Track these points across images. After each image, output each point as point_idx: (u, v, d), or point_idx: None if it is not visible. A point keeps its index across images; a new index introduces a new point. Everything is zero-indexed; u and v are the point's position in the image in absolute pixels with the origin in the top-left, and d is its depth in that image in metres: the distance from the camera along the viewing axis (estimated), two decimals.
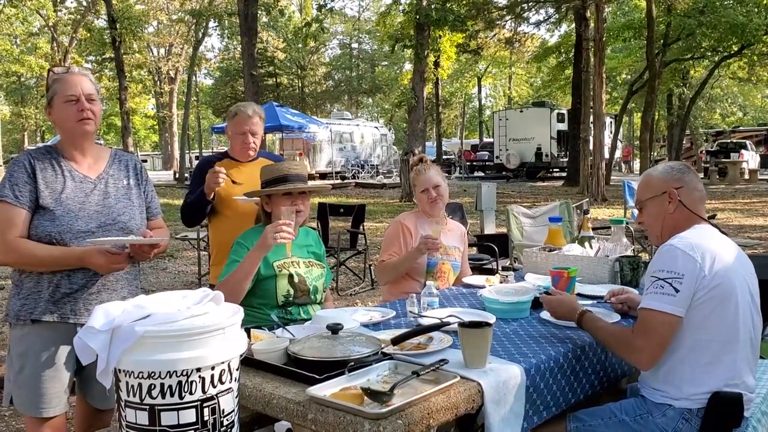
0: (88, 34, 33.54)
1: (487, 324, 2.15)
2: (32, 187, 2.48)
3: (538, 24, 30.58)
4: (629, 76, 34.37)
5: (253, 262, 2.78)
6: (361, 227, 8.33)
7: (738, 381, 2.26)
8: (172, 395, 1.57)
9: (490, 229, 9.32)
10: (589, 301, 2.93)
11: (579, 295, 3.00)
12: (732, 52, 27.23)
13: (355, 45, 55.52)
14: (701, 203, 2.44)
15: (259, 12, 19.39)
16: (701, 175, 31.27)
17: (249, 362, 2.14)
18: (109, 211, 2.60)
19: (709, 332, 2.23)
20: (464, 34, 22.57)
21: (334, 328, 2.21)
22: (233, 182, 3.52)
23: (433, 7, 18.55)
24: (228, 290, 2.52)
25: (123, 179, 2.70)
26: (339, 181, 28.30)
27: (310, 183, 3.29)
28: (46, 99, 2.56)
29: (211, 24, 34.58)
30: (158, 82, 44.48)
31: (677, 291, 2.20)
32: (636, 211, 8.85)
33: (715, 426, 2.22)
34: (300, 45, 43.69)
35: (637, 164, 33.91)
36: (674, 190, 2.40)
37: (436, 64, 25.09)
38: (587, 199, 12.04)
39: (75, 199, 2.53)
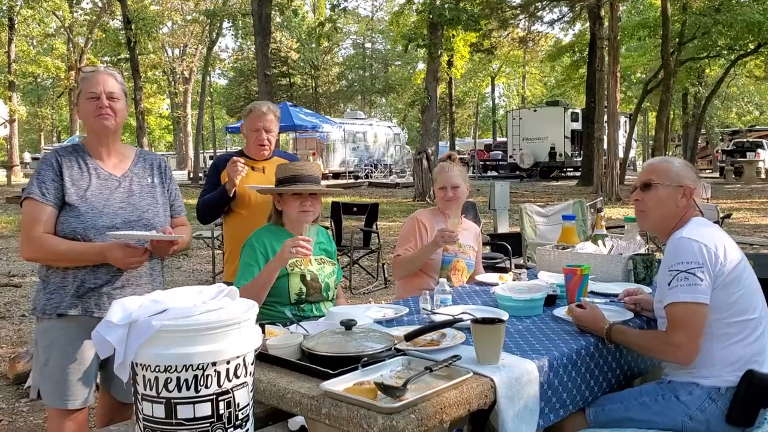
0: (104, 35, 33.80)
1: (500, 320, 2.16)
2: (59, 184, 2.55)
3: (552, 23, 30.50)
4: (644, 75, 34.13)
5: (271, 274, 2.82)
6: (375, 226, 8.34)
7: (764, 358, 2.31)
8: (188, 389, 1.59)
9: (504, 228, 9.30)
10: (602, 299, 2.93)
11: (592, 292, 3.00)
12: (748, 50, 27.00)
13: (368, 45, 55.53)
14: (699, 199, 2.54)
15: (273, 12, 19.43)
16: (717, 174, 31.11)
17: (263, 358, 2.16)
18: (133, 208, 2.66)
19: (732, 313, 2.29)
20: (478, 34, 22.50)
21: (348, 324, 2.23)
22: (252, 169, 3.63)
23: (446, 6, 18.53)
24: (247, 297, 2.51)
25: (147, 177, 2.77)
26: (352, 180, 28.33)
27: (324, 183, 3.32)
28: (75, 97, 2.66)
29: (225, 24, 34.66)
30: (173, 83, 44.72)
31: (701, 280, 2.25)
32: None
33: (745, 403, 2.24)
34: (313, 45, 43.72)
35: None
36: (691, 188, 2.47)
37: (450, 64, 25.03)
38: (601, 198, 11.98)
39: (100, 196, 2.60)
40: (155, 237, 2.59)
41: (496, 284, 3.19)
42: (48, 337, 2.58)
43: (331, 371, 1.98)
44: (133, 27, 24.00)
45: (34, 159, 35.61)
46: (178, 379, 1.59)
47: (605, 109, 19.86)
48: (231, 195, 3.55)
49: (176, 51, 46.06)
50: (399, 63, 51.97)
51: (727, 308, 2.29)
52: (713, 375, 2.28)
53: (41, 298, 2.61)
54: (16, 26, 30.95)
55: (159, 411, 1.61)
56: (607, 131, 19.77)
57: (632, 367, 2.60)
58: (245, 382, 1.70)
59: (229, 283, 1.97)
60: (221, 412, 1.64)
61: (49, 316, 2.57)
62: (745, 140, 32.36)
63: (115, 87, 2.61)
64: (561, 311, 2.71)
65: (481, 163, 35.60)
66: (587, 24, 26.22)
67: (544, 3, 24.81)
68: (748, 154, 29.02)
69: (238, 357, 1.66)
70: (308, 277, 2.97)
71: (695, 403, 2.27)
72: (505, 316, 2.54)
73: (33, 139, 51.73)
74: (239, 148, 4.18)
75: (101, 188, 2.62)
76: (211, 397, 1.62)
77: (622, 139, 26.15)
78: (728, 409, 2.24)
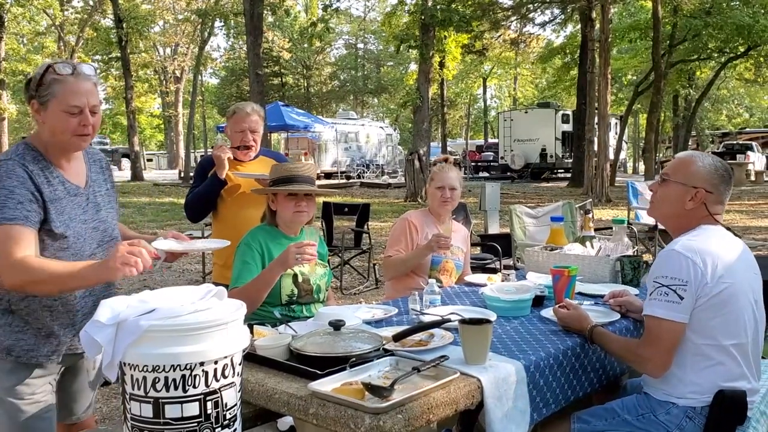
0: (95, 34, 33.70)
1: (488, 321, 2.17)
2: (37, 205, 2.10)
3: (543, 25, 30.52)
4: (635, 77, 34.31)
5: (273, 276, 2.79)
6: (366, 226, 8.35)
7: (740, 382, 2.27)
8: (176, 388, 1.60)
9: (494, 229, 9.33)
10: (589, 300, 2.95)
11: (579, 294, 3.02)
12: (738, 53, 27.18)
13: (360, 45, 55.53)
14: (720, 207, 2.40)
15: (265, 12, 19.42)
16: None
17: (252, 358, 2.17)
18: (105, 226, 2.32)
19: (710, 337, 2.24)
20: (469, 35, 22.55)
21: (337, 325, 2.24)
22: (236, 159, 3.67)
23: (438, 7, 18.57)
24: (244, 299, 2.23)
25: (103, 183, 2.39)
26: (344, 180, 28.33)
27: (318, 183, 3.33)
28: (37, 93, 2.13)
29: (217, 24, 34.62)
30: (164, 82, 44.59)
31: (681, 298, 2.19)
32: (640, 212, 8.71)
33: (720, 423, 2.23)
34: (305, 45, 43.64)
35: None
36: (705, 193, 2.33)
37: (441, 65, 25.11)
38: (590, 200, 12.03)
39: (78, 218, 2.21)
40: (212, 248, 2.53)
41: (485, 285, 3.21)
42: (11, 379, 2.16)
43: (319, 371, 2.00)
44: (124, 26, 23.98)
45: None
46: (166, 378, 1.60)
47: (596, 111, 19.93)
48: (222, 178, 3.56)
49: (168, 50, 45.92)
50: (391, 63, 51.99)
51: (705, 331, 2.23)
52: (685, 396, 2.27)
53: (5, 338, 2.15)
54: (6, 24, 30.76)
55: (147, 410, 1.62)
56: (597, 133, 19.84)
57: (615, 367, 2.62)
58: (233, 382, 1.70)
59: (218, 284, 1.96)
60: (209, 411, 1.65)
61: (15, 359, 2.15)
62: (735, 142, 32.55)
63: (96, 97, 2.18)
64: (548, 312, 2.73)
65: (473, 164, 35.66)
66: (578, 26, 26.32)
67: (535, 5, 24.88)
68: (737, 156, 29.19)
69: (225, 357, 1.67)
70: (300, 279, 2.97)
71: (674, 422, 2.27)
72: (493, 316, 2.56)
73: (23, 137, 51.48)
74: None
75: (76, 208, 2.21)
76: (199, 396, 1.63)
77: (612, 141, 26.24)
78: (704, 428, 2.24)
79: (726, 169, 2.40)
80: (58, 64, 2.14)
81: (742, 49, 26.58)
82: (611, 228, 3.82)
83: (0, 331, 2.15)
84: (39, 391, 2.20)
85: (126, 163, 33.80)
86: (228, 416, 1.69)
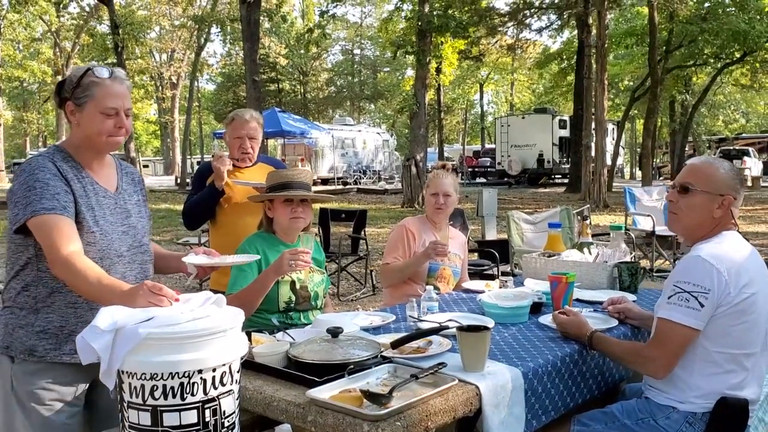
0: (91, 40, 33.66)
1: (486, 328, 2.17)
2: (72, 197, 2.16)
3: (540, 30, 30.74)
4: (631, 83, 34.36)
5: (267, 282, 2.79)
6: (363, 233, 8.35)
7: (744, 390, 2.27)
8: (174, 396, 1.60)
9: (492, 235, 9.34)
10: (588, 307, 2.95)
11: (577, 300, 3.02)
12: (734, 59, 27.23)
13: (357, 51, 55.60)
14: (737, 211, 2.41)
15: (262, 18, 19.42)
16: None
17: (250, 365, 2.16)
18: (135, 231, 2.36)
19: (724, 345, 2.23)
20: (466, 41, 22.63)
21: (335, 332, 2.23)
22: (234, 166, 3.67)
23: (435, 13, 18.66)
24: (239, 305, 2.12)
25: (134, 194, 2.45)
26: (341, 186, 28.35)
27: (314, 189, 3.33)
28: (73, 95, 2.19)
29: (214, 30, 34.66)
30: (160, 88, 44.61)
31: (702, 306, 2.18)
32: (638, 218, 8.63)
33: (719, 430, 2.23)
34: (302, 51, 43.68)
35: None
36: (732, 198, 2.33)
37: (438, 71, 25.16)
38: (588, 206, 12.05)
39: (105, 218, 2.25)
40: (240, 262, 2.49)
41: (483, 291, 3.20)
42: (34, 382, 2.15)
43: (317, 379, 1.99)
44: (120, 32, 23.94)
45: (16, 164, 35.40)
46: (164, 386, 1.59)
47: (593, 117, 19.95)
48: (220, 190, 3.56)
49: (164, 56, 45.96)
50: (388, 69, 52.06)
51: (720, 339, 2.22)
52: (687, 400, 2.26)
53: (20, 335, 2.16)
54: (2, 30, 30.81)
55: (145, 419, 1.61)
56: (594, 138, 19.85)
57: (614, 374, 2.62)
58: (231, 390, 1.70)
59: (216, 291, 1.96)
60: (207, 419, 1.64)
61: (39, 359, 2.15)
62: (731, 148, 32.63)
63: (129, 99, 2.25)
64: (546, 319, 2.73)
65: (470, 169, 35.68)
66: (575, 32, 26.40)
67: (532, 11, 24.96)
68: (734, 161, 29.22)
69: (224, 365, 1.67)
70: (298, 286, 2.97)
71: (673, 427, 2.27)
72: (490, 323, 2.56)
73: (18, 143, 51.46)
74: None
75: (104, 208, 2.26)
76: (197, 404, 1.63)
77: (609, 147, 26.31)
78: None
79: (739, 173, 2.43)
80: (97, 68, 2.23)
81: (738, 55, 26.64)
82: (609, 234, 3.82)
83: (22, 332, 2.16)
84: (64, 399, 2.18)
85: None
86: (226, 424, 1.69)
